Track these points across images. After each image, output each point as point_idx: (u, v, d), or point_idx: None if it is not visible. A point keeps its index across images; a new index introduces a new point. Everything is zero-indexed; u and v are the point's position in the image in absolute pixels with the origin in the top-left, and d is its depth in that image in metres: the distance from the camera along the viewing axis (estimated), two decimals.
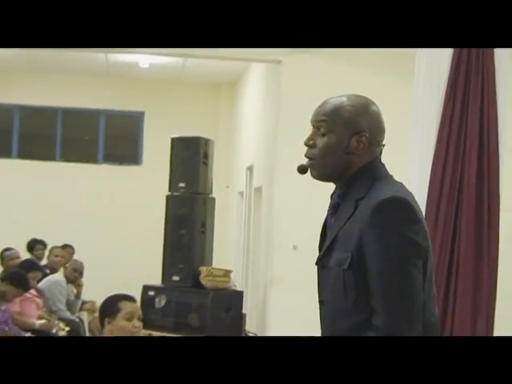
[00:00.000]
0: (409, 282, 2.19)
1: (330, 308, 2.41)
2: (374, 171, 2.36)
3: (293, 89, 10.19)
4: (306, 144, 2.41)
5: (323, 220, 2.55)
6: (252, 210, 12.16)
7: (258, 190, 11.67)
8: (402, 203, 2.24)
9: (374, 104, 2.41)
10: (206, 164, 11.13)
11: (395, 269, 2.18)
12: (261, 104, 11.92)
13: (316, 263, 2.51)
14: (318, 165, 2.39)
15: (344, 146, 2.33)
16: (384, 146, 2.43)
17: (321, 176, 2.42)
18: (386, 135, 2.45)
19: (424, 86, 4.97)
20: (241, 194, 13.06)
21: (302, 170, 2.42)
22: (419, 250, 2.23)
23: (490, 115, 4.62)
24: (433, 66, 4.90)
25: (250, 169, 12.37)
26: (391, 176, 2.44)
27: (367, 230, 2.22)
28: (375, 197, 2.26)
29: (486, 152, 4.62)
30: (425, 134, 4.95)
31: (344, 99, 2.37)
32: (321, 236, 2.54)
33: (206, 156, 11.11)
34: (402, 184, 2.42)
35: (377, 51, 9.92)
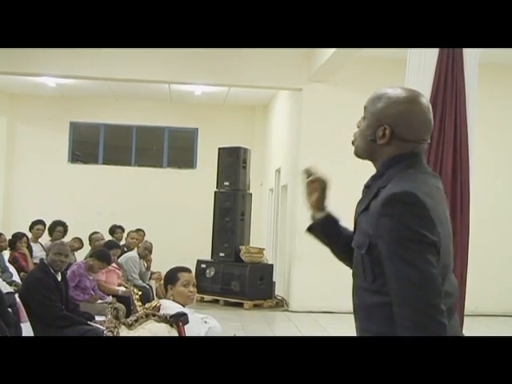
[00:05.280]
0: (414, 271, 1.79)
1: (357, 282, 2.02)
2: (401, 164, 1.96)
3: (310, 110, 10.15)
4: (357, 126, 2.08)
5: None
6: (280, 202, 12.13)
7: (284, 187, 11.63)
8: (409, 198, 1.83)
9: (415, 101, 1.98)
10: (244, 167, 11.12)
11: (402, 258, 1.80)
12: (286, 121, 11.86)
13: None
14: (355, 144, 2.06)
15: (370, 133, 1.99)
16: (424, 142, 2.01)
17: (355, 153, 2.08)
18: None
19: None
20: (271, 190, 13.02)
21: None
22: (425, 240, 1.80)
23: (462, 128, 4.56)
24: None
25: (278, 171, 12.32)
26: (423, 169, 2.02)
27: (379, 220, 1.86)
28: (390, 189, 1.89)
29: (458, 155, 4.55)
30: None
31: (389, 91, 1.99)
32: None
33: (244, 161, 11.12)
34: (429, 177, 2.01)
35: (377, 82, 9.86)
